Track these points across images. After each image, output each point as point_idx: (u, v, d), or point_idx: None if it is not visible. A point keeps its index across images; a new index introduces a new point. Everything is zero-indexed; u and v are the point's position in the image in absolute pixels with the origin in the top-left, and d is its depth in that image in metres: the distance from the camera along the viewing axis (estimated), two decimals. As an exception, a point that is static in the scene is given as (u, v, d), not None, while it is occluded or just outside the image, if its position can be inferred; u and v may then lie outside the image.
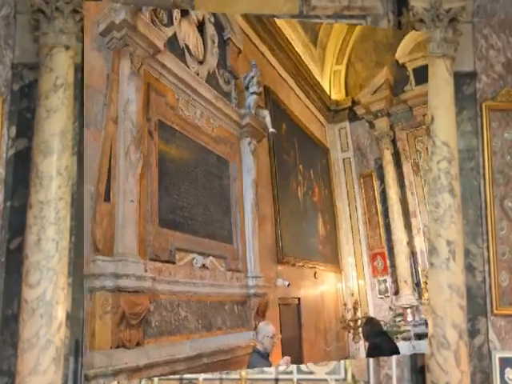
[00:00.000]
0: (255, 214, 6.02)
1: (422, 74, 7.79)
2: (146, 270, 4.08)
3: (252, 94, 6.29)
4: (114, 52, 4.29)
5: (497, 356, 4.34)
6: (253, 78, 6.32)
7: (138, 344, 3.97)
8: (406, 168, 9.97)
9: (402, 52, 9.81)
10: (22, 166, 3.91)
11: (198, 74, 5.41)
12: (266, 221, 6.77)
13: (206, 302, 4.92)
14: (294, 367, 4.38)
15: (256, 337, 4.70)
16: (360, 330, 8.09)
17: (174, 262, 4.62)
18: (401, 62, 10.00)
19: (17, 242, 3.86)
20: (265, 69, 7.42)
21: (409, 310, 9.06)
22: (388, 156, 10.02)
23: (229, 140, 5.94)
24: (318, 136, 10.14)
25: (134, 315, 3.89)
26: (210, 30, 6.00)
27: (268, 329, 4.60)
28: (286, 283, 6.75)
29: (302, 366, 4.38)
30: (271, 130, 6.41)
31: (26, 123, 3.98)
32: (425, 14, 4.34)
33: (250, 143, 6.21)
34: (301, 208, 8.40)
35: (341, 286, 9.47)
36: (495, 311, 4.45)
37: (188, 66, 5.27)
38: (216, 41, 6.05)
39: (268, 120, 6.41)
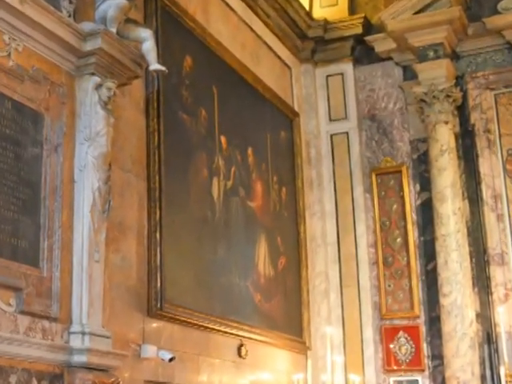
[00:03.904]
0: (101, 220, 5.00)
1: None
2: None
3: (113, -3, 5.36)
4: None
5: None
6: (116, -31, 5.40)
7: None
8: (489, 164, 7.57)
9: None
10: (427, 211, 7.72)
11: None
12: (129, 235, 5.67)
13: (-40, 365, 4.26)
14: None
15: None
16: None
17: None
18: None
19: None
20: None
21: None
22: (446, 137, 7.48)
23: (47, 76, 4.97)
24: (273, 86, 7.98)
25: None
26: None
27: None
28: (167, 356, 5.49)
29: None
30: (155, 66, 5.28)
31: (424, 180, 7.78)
32: None
33: (99, 87, 5.10)
34: (216, 218, 6.76)
35: (302, 378, 7.06)
36: None
37: None
38: None
39: (149, 47, 5.26)
